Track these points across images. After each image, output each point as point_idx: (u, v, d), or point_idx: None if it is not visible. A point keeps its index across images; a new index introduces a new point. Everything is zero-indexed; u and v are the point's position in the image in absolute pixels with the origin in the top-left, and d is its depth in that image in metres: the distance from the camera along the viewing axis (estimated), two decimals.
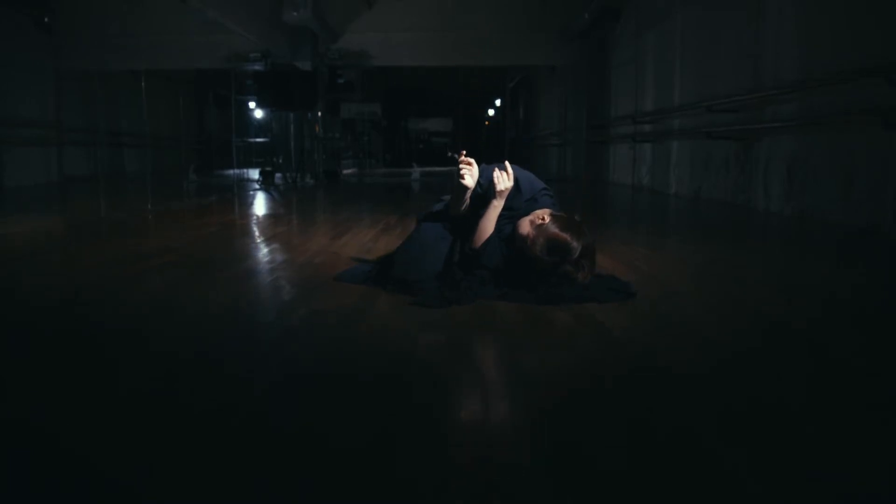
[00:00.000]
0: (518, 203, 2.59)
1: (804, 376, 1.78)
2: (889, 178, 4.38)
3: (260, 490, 1.17)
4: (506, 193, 2.50)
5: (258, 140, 14.31)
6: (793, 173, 5.57)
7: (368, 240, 4.19)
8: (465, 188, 2.50)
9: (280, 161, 12.15)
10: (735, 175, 6.65)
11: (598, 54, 11.71)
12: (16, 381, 1.76)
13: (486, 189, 2.55)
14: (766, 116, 6.04)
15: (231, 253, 3.99)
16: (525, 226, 2.44)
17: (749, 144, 6.35)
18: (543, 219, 2.41)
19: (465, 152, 2.53)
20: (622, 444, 1.35)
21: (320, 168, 12.73)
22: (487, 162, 2.62)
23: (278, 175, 11.59)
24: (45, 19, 10.89)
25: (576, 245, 2.38)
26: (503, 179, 2.48)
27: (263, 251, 4.03)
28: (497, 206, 2.52)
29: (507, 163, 2.54)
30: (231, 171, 13.98)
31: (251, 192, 9.33)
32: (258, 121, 15.77)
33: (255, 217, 6.31)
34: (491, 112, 26.97)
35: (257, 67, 12.13)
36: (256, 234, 4.96)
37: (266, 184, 10.58)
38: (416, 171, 16.73)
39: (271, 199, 8.37)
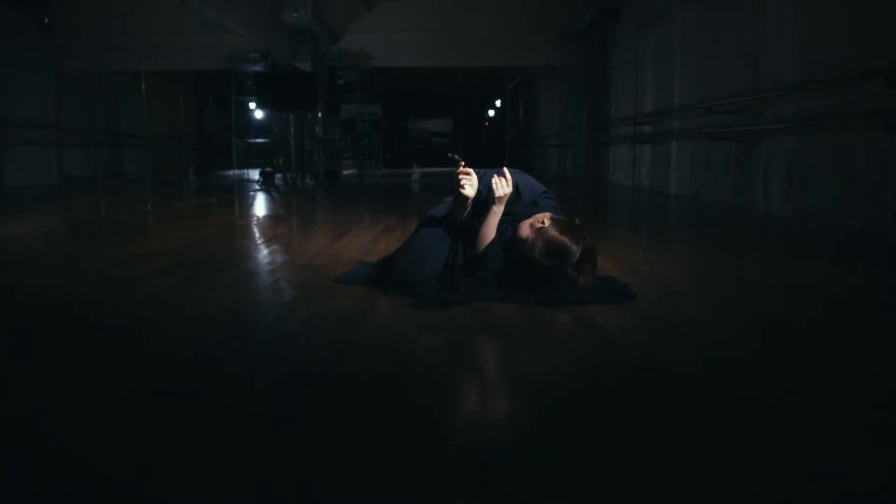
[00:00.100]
0: (519, 208, 2.59)
1: (804, 377, 1.78)
2: (889, 178, 4.38)
3: (260, 490, 1.17)
4: (505, 199, 2.51)
5: (258, 141, 14.32)
6: (793, 174, 5.57)
7: (368, 241, 4.19)
8: (466, 198, 2.50)
9: (280, 162, 12.15)
10: (735, 176, 6.65)
11: (598, 54, 11.71)
12: (16, 381, 1.76)
13: (485, 196, 2.55)
14: (767, 118, 6.04)
15: (231, 254, 3.99)
16: (525, 229, 2.45)
17: (749, 145, 6.35)
18: (543, 222, 2.41)
19: (463, 163, 2.53)
20: (622, 444, 1.35)
21: (320, 169, 12.73)
22: (487, 164, 2.62)
23: (278, 176, 11.59)
24: (46, 20, 10.89)
25: (575, 249, 2.38)
26: (501, 185, 2.48)
27: (263, 252, 4.03)
28: (497, 211, 2.52)
29: (504, 169, 2.54)
30: (231, 172, 13.98)
31: (251, 193, 9.34)
32: (258, 121, 15.77)
33: (254, 218, 6.31)
34: (491, 112, 26.97)
35: (257, 68, 12.13)
36: (256, 235, 4.96)
37: (266, 184, 10.58)
38: (416, 172, 16.73)
39: (271, 200, 8.37)
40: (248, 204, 7.81)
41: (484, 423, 1.47)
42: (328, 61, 12.55)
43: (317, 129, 12.82)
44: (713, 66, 7.18)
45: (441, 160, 23.25)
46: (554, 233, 2.38)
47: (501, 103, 24.21)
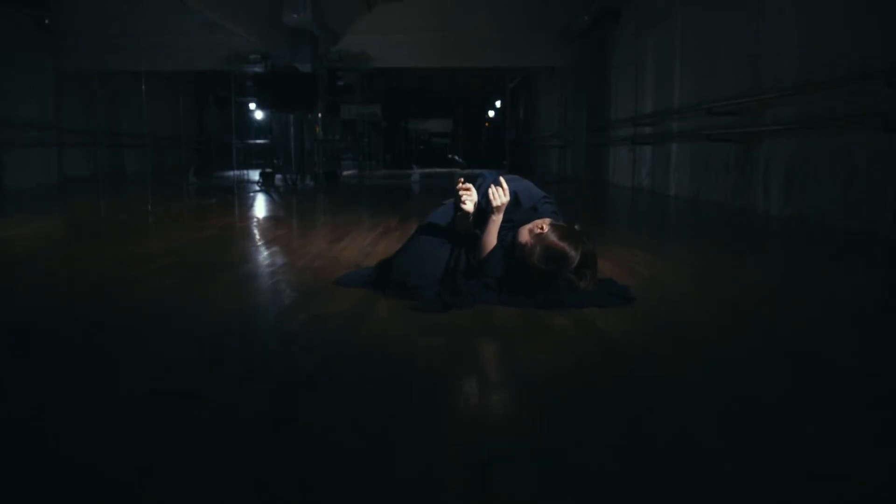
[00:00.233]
0: (518, 215, 2.59)
1: (804, 377, 1.78)
2: (889, 179, 4.38)
3: (260, 490, 1.17)
4: (503, 208, 2.51)
5: (258, 141, 14.31)
6: (792, 175, 5.57)
7: (368, 243, 4.19)
8: (467, 214, 2.51)
9: (280, 162, 12.15)
10: (735, 177, 6.65)
11: (598, 55, 11.71)
12: (16, 381, 1.76)
13: (484, 205, 2.55)
14: (767, 118, 6.04)
15: (231, 256, 3.99)
16: (524, 234, 2.44)
17: (749, 146, 6.35)
18: (542, 228, 2.41)
19: (462, 179, 2.53)
20: (622, 444, 1.35)
21: (320, 169, 12.73)
22: (487, 165, 2.61)
23: (278, 176, 11.58)
24: (46, 20, 10.88)
25: (573, 254, 2.38)
26: (498, 195, 2.48)
27: (263, 254, 4.03)
28: (496, 220, 2.52)
29: (500, 178, 2.54)
30: (231, 173, 13.98)
31: (251, 194, 9.33)
32: (258, 122, 15.76)
33: (254, 219, 6.31)
34: (491, 113, 26.97)
35: (257, 69, 12.13)
36: (256, 236, 4.96)
37: (266, 185, 10.58)
38: (416, 173, 16.72)
39: (271, 201, 8.37)
40: (247, 205, 7.81)
41: (484, 423, 1.47)
42: (328, 62, 12.55)
43: (317, 129, 12.81)
44: (713, 66, 7.18)
45: (441, 161, 23.28)
46: (553, 239, 2.38)
47: (501, 104, 24.21)
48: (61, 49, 11.24)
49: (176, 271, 3.35)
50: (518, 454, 1.31)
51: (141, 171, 13.38)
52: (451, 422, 1.47)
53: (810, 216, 5.24)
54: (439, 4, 12.18)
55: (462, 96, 25.33)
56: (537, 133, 18.09)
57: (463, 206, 2.48)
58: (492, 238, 2.54)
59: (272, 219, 6.40)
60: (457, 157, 21.74)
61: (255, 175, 11.71)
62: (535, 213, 2.58)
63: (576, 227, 2.48)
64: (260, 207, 7.53)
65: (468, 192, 2.49)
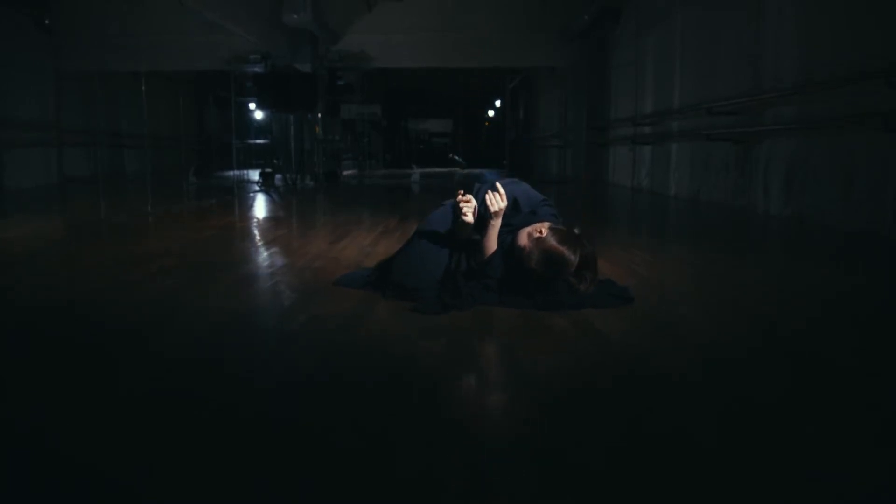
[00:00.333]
0: (518, 219, 2.58)
1: (804, 377, 1.78)
2: (889, 179, 4.38)
3: (260, 490, 1.17)
4: (501, 213, 2.51)
5: (258, 142, 14.31)
6: (792, 175, 5.57)
7: (368, 244, 4.19)
8: (468, 225, 2.51)
9: (280, 162, 12.15)
10: (735, 177, 6.65)
11: (598, 55, 11.71)
12: (16, 381, 1.76)
13: (483, 211, 2.55)
14: (767, 118, 6.04)
15: (231, 257, 3.99)
16: (523, 238, 2.44)
17: (749, 146, 6.35)
18: (541, 232, 2.40)
19: (462, 192, 2.53)
20: (622, 445, 1.35)
21: (320, 169, 12.73)
22: (487, 165, 2.61)
23: (278, 176, 11.57)
24: (46, 21, 10.88)
25: (572, 258, 2.38)
26: (496, 201, 2.48)
27: (263, 255, 4.03)
28: (495, 224, 2.52)
29: (497, 183, 2.54)
30: (231, 173, 13.98)
31: (251, 194, 9.33)
32: (258, 122, 15.76)
33: (254, 220, 6.31)
34: (491, 113, 26.97)
35: (257, 69, 12.12)
36: (256, 237, 4.96)
37: (266, 185, 10.57)
38: (416, 173, 16.72)
39: (271, 202, 8.37)
40: (247, 205, 7.81)
41: (484, 423, 1.47)
42: (328, 62, 12.54)
43: (317, 129, 12.81)
44: (713, 66, 7.18)
45: (441, 160, 23.28)
46: (551, 243, 2.37)
47: (501, 103, 24.20)
48: (61, 49, 11.23)
49: (176, 272, 3.35)
50: (518, 454, 1.31)
51: (141, 171, 13.38)
52: (451, 422, 1.47)
53: (810, 216, 5.24)
54: (439, 4, 12.18)
55: (462, 96, 25.33)
56: (537, 133, 18.10)
57: (463, 218, 2.49)
58: (492, 242, 2.54)
59: (272, 219, 6.40)
60: (457, 157, 21.75)
61: (255, 175, 11.71)
62: (534, 217, 2.58)
63: (575, 230, 2.47)
64: (260, 207, 7.53)
65: (468, 204, 2.49)
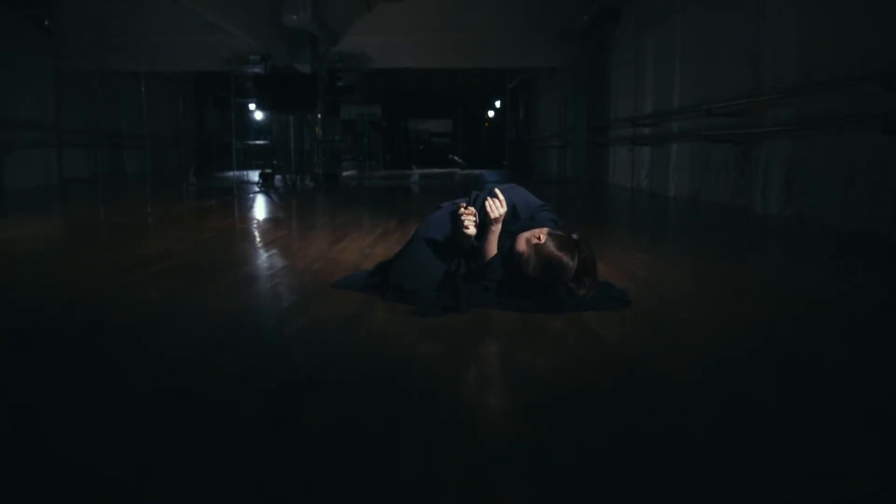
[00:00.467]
0: (517, 226, 2.58)
1: (804, 377, 1.78)
2: (889, 179, 4.38)
3: (260, 490, 1.17)
4: (501, 219, 2.50)
5: (258, 142, 14.31)
6: (792, 176, 5.57)
7: (367, 245, 4.18)
8: (470, 237, 2.51)
9: (280, 163, 12.15)
10: (734, 177, 6.65)
11: (598, 55, 11.71)
12: (16, 381, 1.76)
13: (482, 217, 2.55)
14: (766, 119, 6.04)
15: (231, 258, 3.99)
16: (521, 244, 2.43)
17: (749, 147, 6.35)
18: (539, 238, 2.40)
19: (464, 205, 2.53)
20: (621, 445, 1.35)
21: (320, 170, 12.73)
22: (487, 165, 2.61)
23: (278, 177, 11.57)
24: (46, 21, 10.88)
25: (571, 264, 2.37)
26: (495, 207, 2.48)
27: (263, 257, 4.03)
28: (495, 230, 2.52)
29: (496, 189, 2.54)
30: (231, 173, 13.98)
31: (251, 195, 9.34)
32: (258, 123, 15.76)
33: (254, 221, 6.31)
34: (491, 113, 26.97)
35: (257, 70, 12.12)
36: (256, 238, 4.96)
37: (266, 186, 10.57)
38: (416, 174, 16.70)
39: (271, 202, 8.37)
40: (247, 206, 7.81)
41: (483, 423, 1.47)
42: (328, 62, 12.54)
43: (316, 130, 12.81)
44: (713, 66, 7.18)
45: (441, 161, 23.28)
46: (550, 249, 2.36)
47: (501, 104, 24.21)
48: (61, 49, 11.23)
49: (176, 273, 3.35)
50: (518, 454, 1.31)
51: (141, 171, 13.39)
52: (451, 422, 1.47)
53: (810, 216, 5.24)
54: (439, 4, 12.18)
55: (462, 96, 25.32)
56: (537, 133, 18.10)
57: (465, 231, 2.49)
58: (492, 247, 2.54)
59: (272, 220, 6.40)
60: (456, 158, 21.74)
61: (254, 176, 11.72)
62: (533, 223, 2.58)
63: (573, 235, 2.46)
64: (259, 208, 7.53)
65: (471, 217, 2.49)
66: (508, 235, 2.55)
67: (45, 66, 11.04)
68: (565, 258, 2.36)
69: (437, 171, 19.73)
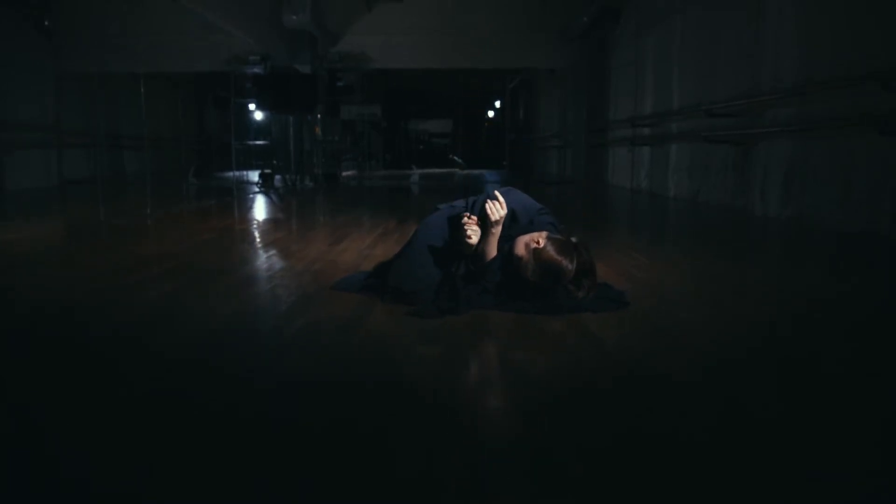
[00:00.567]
0: (516, 230, 2.58)
1: (804, 377, 1.78)
2: (888, 180, 4.38)
3: (260, 490, 1.17)
4: (501, 222, 2.50)
5: (258, 143, 14.31)
6: (792, 176, 5.56)
7: (366, 246, 4.18)
8: (472, 246, 2.51)
9: (279, 163, 12.15)
10: (734, 178, 6.65)
11: (598, 55, 11.71)
12: (16, 382, 1.76)
13: (482, 220, 2.55)
14: (766, 120, 6.04)
15: (230, 259, 3.98)
16: (520, 247, 2.43)
17: (748, 147, 6.35)
18: (538, 242, 2.39)
19: (467, 214, 2.53)
20: (622, 445, 1.35)
21: (320, 170, 12.73)
22: (487, 165, 2.61)
23: (278, 177, 11.58)
24: (46, 22, 10.88)
25: (570, 268, 2.37)
26: (496, 210, 2.47)
27: (262, 258, 4.03)
28: (495, 233, 2.52)
29: (496, 192, 2.53)
30: (230, 174, 13.99)
31: (251, 196, 9.34)
32: (258, 123, 15.76)
33: (254, 222, 6.31)
34: (491, 113, 26.97)
35: (257, 70, 12.12)
36: (255, 239, 4.96)
37: (265, 186, 10.57)
38: (416, 174, 16.70)
39: (270, 203, 8.37)
40: (247, 207, 7.81)
41: (483, 423, 1.47)
42: (328, 63, 12.54)
43: (316, 130, 12.81)
44: (713, 66, 7.18)
45: (441, 161, 23.29)
46: (548, 254, 2.36)
47: (501, 104, 24.20)
48: (61, 50, 11.23)
49: (175, 274, 3.35)
50: (518, 454, 1.31)
51: (141, 171, 13.39)
52: (450, 422, 1.47)
53: (810, 217, 5.24)
54: (439, 4, 12.17)
55: (462, 96, 25.33)
56: (537, 133, 18.10)
57: (468, 241, 2.49)
58: (492, 249, 2.54)
59: (271, 221, 6.40)
60: (456, 158, 21.75)
61: (254, 176, 11.72)
62: (532, 227, 2.57)
63: (572, 239, 2.46)
64: (259, 209, 7.53)
65: (474, 226, 2.49)
66: (507, 239, 2.55)
67: (45, 67, 11.04)
68: (564, 262, 2.36)
69: (436, 171, 19.73)
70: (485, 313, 2.41)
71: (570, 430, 1.43)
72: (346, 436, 1.39)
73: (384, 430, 1.42)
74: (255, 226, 5.82)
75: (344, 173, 15.41)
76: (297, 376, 1.80)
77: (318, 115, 12.67)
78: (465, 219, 2.50)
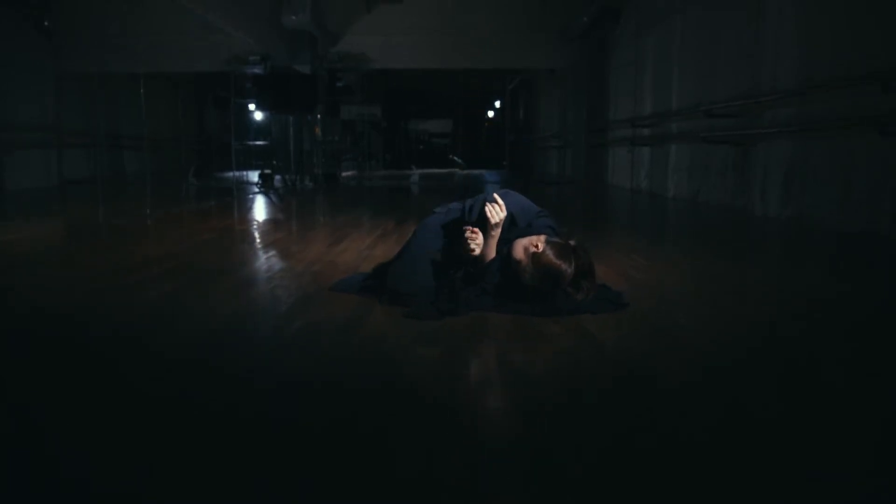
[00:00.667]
0: (514, 234, 2.58)
1: (804, 378, 1.78)
2: (888, 181, 4.38)
3: (260, 490, 1.17)
4: (500, 224, 2.50)
5: (257, 143, 14.31)
6: (792, 176, 5.56)
7: (366, 247, 4.18)
8: (473, 258, 2.51)
9: (279, 164, 12.15)
10: (734, 178, 6.65)
11: (598, 55, 11.71)
12: (16, 382, 1.76)
13: (482, 225, 2.55)
14: (765, 120, 6.04)
15: (230, 259, 3.98)
16: (519, 251, 2.42)
17: (748, 147, 6.35)
18: (537, 246, 2.39)
19: (471, 228, 2.52)
20: (621, 446, 1.35)
21: (319, 171, 12.73)
22: (487, 166, 2.60)
23: (277, 177, 11.57)
24: (46, 22, 10.87)
25: (568, 272, 2.37)
26: (496, 212, 2.47)
27: (262, 258, 4.03)
28: (495, 235, 2.52)
29: (495, 194, 2.53)
30: (230, 174, 13.99)
31: (250, 196, 9.34)
32: (258, 123, 15.76)
33: (254, 222, 6.31)
34: (491, 113, 26.97)
35: (257, 70, 12.12)
36: (255, 240, 4.96)
37: (265, 187, 10.57)
38: (416, 174, 16.70)
39: (270, 203, 8.37)
40: (247, 207, 7.81)
41: (483, 424, 1.48)
42: (328, 63, 12.54)
43: (316, 130, 12.81)
44: (713, 66, 7.18)
45: (441, 161, 23.28)
46: (547, 258, 2.36)
47: (501, 104, 24.20)
48: (61, 50, 11.22)
49: (175, 274, 3.35)
50: (518, 454, 1.31)
51: (141, 172, 13.39)
52: (450, 423, 1.47)
53: (810, 217, 5.24)
54: (439, 4, 12.17)
55: (462, 96, 25.32)
56: (537, 133, 18.10)
57: (471, 254, 2.48)
58: (491, 251, 2.54)
59: (271, 221, 6.40)
60: (456, 158, 21.74)
61: (254, 176, 11.71)
62: (530, 230, 2.57)
63: (571, 241, 2.46)
64: (259, 209, 7.53)
65: (476, 240, 2.48)
66: (506, 242, 2.55)
67: (45, 67, 11.03)
68: (563, 266, 2.36)
69: (436, 171, 19.73)
70: (484, 315, 2.41)
71: (570, 430, 1.43)
72: (346, 436, 1.39)
73: (384, 430, 1.42)
74: (254, 226, 5.82)
75: (344, 173, 15.41)
76: (297, 377, 1.80)
77: (318, 116, 12.67)
78: (469, 232, 2.49)
